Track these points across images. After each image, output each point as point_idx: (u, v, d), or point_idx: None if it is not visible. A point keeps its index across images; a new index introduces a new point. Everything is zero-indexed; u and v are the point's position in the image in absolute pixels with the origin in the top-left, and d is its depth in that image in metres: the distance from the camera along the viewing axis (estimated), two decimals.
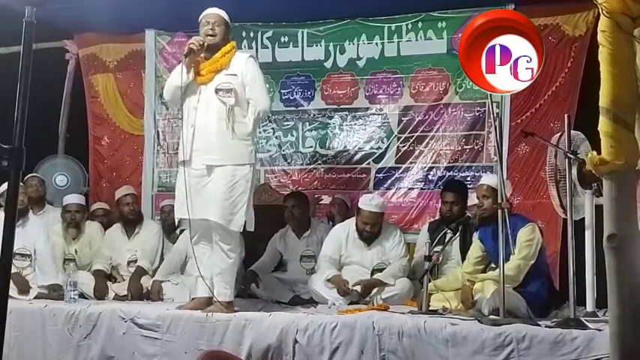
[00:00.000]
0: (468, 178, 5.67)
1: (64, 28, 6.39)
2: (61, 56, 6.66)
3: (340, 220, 5.47)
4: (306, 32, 6.13)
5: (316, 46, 6.12)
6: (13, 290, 4.65)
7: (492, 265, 4.42)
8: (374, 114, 6.02)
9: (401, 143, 5.91)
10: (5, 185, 1.95)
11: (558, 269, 5.04)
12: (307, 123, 6.16)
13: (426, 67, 5.87)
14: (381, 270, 4.96)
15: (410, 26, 5.88)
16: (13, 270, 4.55)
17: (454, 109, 5.80)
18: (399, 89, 5.94)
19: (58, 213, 5.57)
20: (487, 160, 5.69)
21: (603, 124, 2.29)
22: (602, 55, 2.29)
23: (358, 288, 4.82)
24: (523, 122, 5.53)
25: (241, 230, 4.20)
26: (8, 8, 2.66)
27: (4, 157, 1.83)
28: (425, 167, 5.86)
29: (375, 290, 4.84)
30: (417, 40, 5.88)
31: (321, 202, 6.01)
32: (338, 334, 3.77)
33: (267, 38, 6.21)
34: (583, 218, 4.01)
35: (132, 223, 5.54)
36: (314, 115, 6.15)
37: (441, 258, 4.57)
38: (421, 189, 5.86)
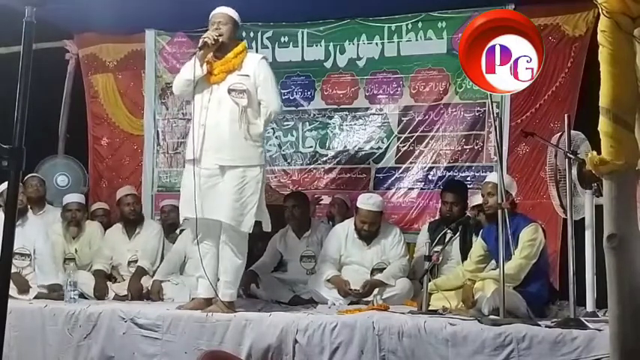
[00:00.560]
0: (468, 178, 5.67)
1: (64, 28, 6.38)
2: (61, 56, 6.65)
3: (340, 220, 5.46)
4: (306, 32, 6.13)
5: (316, 46, 6.11)
6: (13, 290, 4.65)
7: (493, 264, 4.42)
8: (374, 114, 6.02)
9: (401, 143, 5.91)
10: (5, 185, 1.95)
11: (558, 269, 5.04)
12: (307, 123, 6.16)
13: (426, 67, 5.87)
14: (380, 269, 4.96)
15: (410, 26, 5.88)
16: (13, 270, 4.54)
17: (454, 109, 5.80)
18: (399, 89, 5.94)
19: (58, 213, 5.57)
20: (487, 160, 5.69)
21: (603, 124, 2.29)
22: (602, 55, 2.29)
23: (361, 289, 4.81)
24: (523, 122, 5.53)
25: (251, 231, 4.19)
26: (8, 8, 2.66)
27: (4, 157, 1.83)
28: (425, 167, 5.85)
29: (376, 290, 4.84)
30: (417, 40, 5.88)
31: (321, 202, 6.00)
32: (338, 334, 3.77)
33: (267, 38, 6.20)
34: (583, 218, 4.01)
35: (133, 223, 5.54)
36: (314, 115, 6.15)
37: (440, 258, 4.57)
38: (421, 189, 5.86)
